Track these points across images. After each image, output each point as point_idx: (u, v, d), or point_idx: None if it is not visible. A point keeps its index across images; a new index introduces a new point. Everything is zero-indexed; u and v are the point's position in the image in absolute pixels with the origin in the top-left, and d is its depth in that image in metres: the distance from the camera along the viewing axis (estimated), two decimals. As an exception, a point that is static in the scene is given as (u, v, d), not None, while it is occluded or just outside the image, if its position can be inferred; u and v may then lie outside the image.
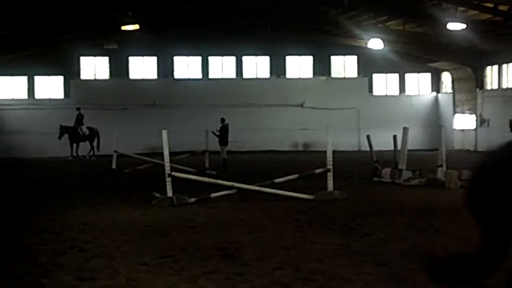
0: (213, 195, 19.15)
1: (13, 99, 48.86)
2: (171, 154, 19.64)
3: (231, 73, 51.20)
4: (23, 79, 49.02)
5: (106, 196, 20.83)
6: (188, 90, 49.92)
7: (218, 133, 32.69)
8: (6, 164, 39.27)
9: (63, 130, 43.03)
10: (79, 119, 43.49)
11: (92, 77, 50.32)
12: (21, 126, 47.73)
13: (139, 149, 42.43)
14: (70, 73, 49.43)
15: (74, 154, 42.79)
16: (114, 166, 31.07)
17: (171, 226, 14.71)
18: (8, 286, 9.46)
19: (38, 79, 49.26)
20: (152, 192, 19.92)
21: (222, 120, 33.36)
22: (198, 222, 15.28)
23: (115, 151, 31.62)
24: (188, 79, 50.67)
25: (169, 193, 18.58)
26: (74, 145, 43.59)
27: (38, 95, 49.29)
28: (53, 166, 37.22)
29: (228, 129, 32.94)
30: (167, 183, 18.62)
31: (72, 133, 43.14)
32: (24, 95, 49.12)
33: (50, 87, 49.54)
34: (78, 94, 48.82)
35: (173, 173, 19.14)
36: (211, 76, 50.95)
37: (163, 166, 19.25)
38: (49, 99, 49.18)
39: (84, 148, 43.48)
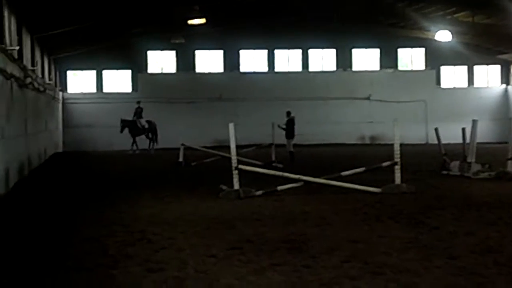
0: (279, 188, 19.15)
1: (82, 93, 49.54)
2: (238, 147, 19.65)
3: (297, 66, 51.10)
4: (92, 73, 49.64)
5: (174, 189, 20.98)
6: (254, 83, 50.02)
7: (284, 127, 32.65)
8: (75, 157, 40.00)
9: (124, 124, 43.45)
10: (139, 113, 43.88)
11: (159, 71, 50.74)
12: (89, 120, 48.51)
13: (205, 142, 42.73)
14: (138, 67, 49.88)
15: (135, 147, 43.14)
16: (181, 159, 31.30)
17: (238, 218, 14.74)
18: (78, 277, 9.58)
19: (106, 73, 49.85)
20: (219, 185, 20.00)
21: (288, 113, 33.27)
22: (265, 215, 15.28)
23: (182, 144, 31.87)
24: (254, 73, 50.73)
25: (236, 186, 18.62)
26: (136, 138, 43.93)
27: (107, 89, 49.88)
28: (120, 159, 37.68)
29: (294, 122, 32.84)
30: (234, 176, 18.67)
31: (132, 126, 43.55)
32: (93, 89, 49.74)
33: (118, 81, 50.12)
34: (146, 88, 49.28)
35: (240, 166, 19.17)
36: (277, 69, 50.92)
37: (229, 159, 19.33)
38: (117, 93, 49.72)
39: (144, 141, 44.03)
